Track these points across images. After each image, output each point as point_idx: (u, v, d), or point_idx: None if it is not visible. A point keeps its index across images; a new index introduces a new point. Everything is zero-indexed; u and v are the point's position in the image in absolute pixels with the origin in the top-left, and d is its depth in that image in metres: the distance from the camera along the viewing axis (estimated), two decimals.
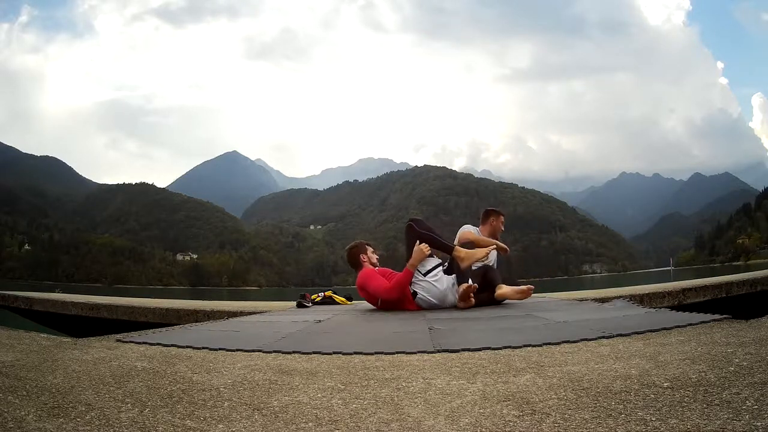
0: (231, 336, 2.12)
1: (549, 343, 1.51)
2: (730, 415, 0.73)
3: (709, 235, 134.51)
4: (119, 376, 1.18)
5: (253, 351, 1.59)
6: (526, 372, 1.13)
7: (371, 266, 3.70)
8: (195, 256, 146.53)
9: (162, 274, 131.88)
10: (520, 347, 1.48)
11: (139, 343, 1.78)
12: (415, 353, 1.47)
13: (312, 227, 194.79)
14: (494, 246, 3.45)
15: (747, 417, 0.72)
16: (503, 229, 4.02)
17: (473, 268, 3.27)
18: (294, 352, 1.55)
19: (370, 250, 3.82)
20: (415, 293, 3.26)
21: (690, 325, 1.66)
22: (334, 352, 1.52)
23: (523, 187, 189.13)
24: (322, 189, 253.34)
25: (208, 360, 1.43)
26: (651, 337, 1.52)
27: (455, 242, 3.52)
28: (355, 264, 3.74)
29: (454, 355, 1.42)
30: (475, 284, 3.09)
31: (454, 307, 3.15)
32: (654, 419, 0.74)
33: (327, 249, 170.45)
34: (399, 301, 3.30)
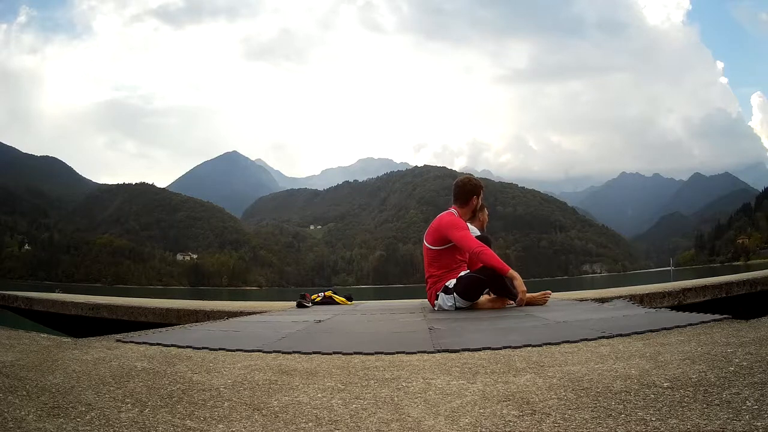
0: (231, 336, 2.12)
1: (549, 343, 1.51)
2: (730, 415, 0.73)
3: (709, 235, 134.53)
4: (119, 376, 1.18)
5: (253, 351, 1.59)
6: (526, 372, 1.13)
7: (469, 214, 3.43)
8: (195, 256, 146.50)
9: (162, 274, 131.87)
10: (520, 347, 1.48)
11: (139, 343, 1.78)
12: (415, 353, 1.47)
13: (312, 227, 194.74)
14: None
15: (747, 417, 0.72)
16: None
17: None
18: (294, 352, 1.55)
19: (482, 197, 3.48)
20: (437, 296, 3.24)
21: (690, 325, 1.66)
22: (334, 352, 1.52)
23: (523, 187, 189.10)
24: (322, 189, 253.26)
25: (208, 360, 1.43)
26: (651, 337, 1.52)
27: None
28: (464, 200, 3.40)
29: (454, 355, 1.42)
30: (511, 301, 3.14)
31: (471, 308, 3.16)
32: (654, 419, 0.74)
33: (327, 249, 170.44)
34: (452, 267, 3.24)
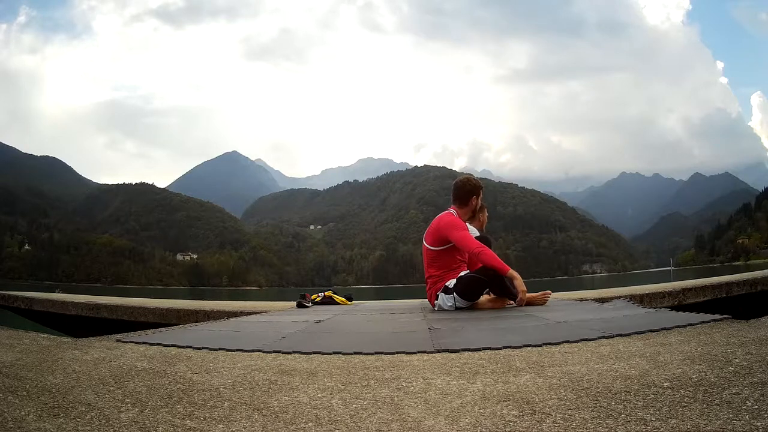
0: (231, 336, 2.12)
1: (549, 343, 1.51)
2: (730, 415, 0.73)
3: (709, 235, 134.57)
4: (119, 376, 1.18)
5: (253, 351, 1.59)
6: (526, 372, 1.13)
7: (469, 214, 3.43)
8: (195, 256, 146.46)
9: (162, 274, 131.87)
10: (520, 347, 1.48)
11: (139, 343, 1.78)
12: (415, 353, 1.47)
13: (312, 227, 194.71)
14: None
15: (747, 417, 0.72)
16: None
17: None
18: (294, 352, 1.55)
19: (481, 195, 3.47)
20: (437, 296, 3.24)
21: (690, 325, 1.66)
22: (334, 352, 1.52)
23: (523, 187, 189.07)
24: (322, 189, 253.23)
25: (208, 360, 1.43)
26: (651, 337, 1.52)
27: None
28: (464, 200, 3.40)
29: (454, 355, 1.42)
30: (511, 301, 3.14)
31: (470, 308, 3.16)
32: (654, 419, 0.75)
33: (327, 249, 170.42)
34: (452, 267, 3.23)
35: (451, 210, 3.41)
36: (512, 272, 3.05)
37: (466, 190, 3.44)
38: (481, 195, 3.50)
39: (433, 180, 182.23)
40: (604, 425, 0.74)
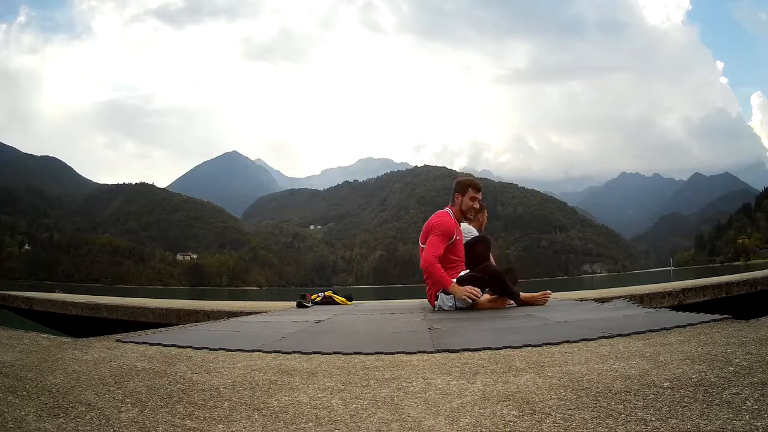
0: (231, 336, 2.12)
1: (549, 343, 1.51)
2: (730, 415, 0.73)
3: (709, 235, 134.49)
4: (119, 376, 1.18)
5: (253, 351, 1.59)
6: (526, 372, 1.13)
7: (458, 213, 3.39)
8: (195, 256, 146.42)
9: (162, 274, 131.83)
10: (520, 347, 1.48)
11: (139, 343, 1.78)
12: (415, 353, 1.47)
13: (312, 227, 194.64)
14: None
15: (747, 417, 0.72)
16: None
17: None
18: (294, 352, 1.55)
19: (471, 193, 3.39)
20: (437, 296, 3.25)
21: (690, 325, 1.66)
22: (334, 352, 1.52)
23: (523, 187, 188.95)
24: (322, 189, 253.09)
25: (208, 360, 1.43)
26: (651, 337, 1.52)
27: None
28: (452, 198, 3.45)
29: (454, 355, 1.42)
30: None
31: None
32: (654, 419, 0.75)
33: (327, 249, 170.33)
34: (448, 267, 3.23)
35: (447, 209, 3.44)
36: (453, 287, 3.07)
37: (452, 189, 3.50)
38: (470, 192, 3.42)
39: (433, 180, 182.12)
40: (604, 425, 0.74)
